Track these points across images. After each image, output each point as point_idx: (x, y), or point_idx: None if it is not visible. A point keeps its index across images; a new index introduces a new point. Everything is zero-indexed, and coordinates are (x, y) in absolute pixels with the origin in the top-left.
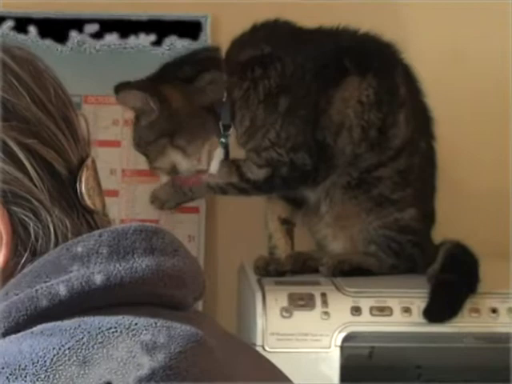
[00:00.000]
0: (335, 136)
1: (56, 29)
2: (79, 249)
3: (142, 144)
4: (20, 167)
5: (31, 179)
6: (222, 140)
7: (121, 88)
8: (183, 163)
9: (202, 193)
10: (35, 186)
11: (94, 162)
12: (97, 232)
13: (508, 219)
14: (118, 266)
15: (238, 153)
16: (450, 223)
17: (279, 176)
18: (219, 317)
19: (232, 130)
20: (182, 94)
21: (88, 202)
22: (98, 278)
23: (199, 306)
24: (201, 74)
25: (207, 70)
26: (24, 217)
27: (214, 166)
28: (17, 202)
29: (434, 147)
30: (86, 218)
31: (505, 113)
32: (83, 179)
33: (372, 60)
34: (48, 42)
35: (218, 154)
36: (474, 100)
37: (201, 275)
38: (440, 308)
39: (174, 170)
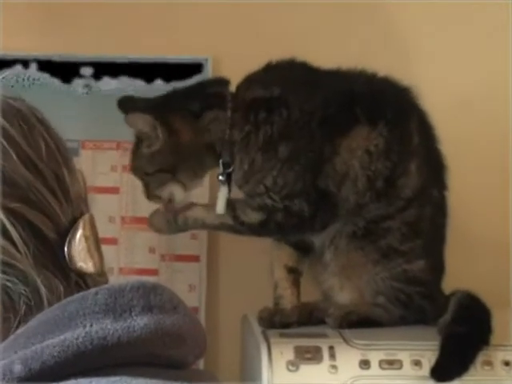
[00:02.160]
0: (339, 185)
1: (53, 70)
2: (74, 308)
3: (140, 173)
4: (4, 234)
5: (15, 245)
6: (221, 178)
7: (129, 107)
8: (181, 196)
9: (195, 228)
10: (19, 252)
11: (91, 218)
12: (93, 290)
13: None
14: (115, 325)
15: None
16: (460, 273)
17: (274, 221)
18: (221, 370)
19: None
20: (190, 129)
21: (78, 265)
22: (95, 338)
23: (200, 360)
24: (205, 111)
25: (210, 109)
26: (8, 283)
27: (221, 207)
28: (0, 268)
29: (446, 196)
30: (77, 282)
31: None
32: (74, 241)
33: (385, 108)
34: (46, 80)
35: (223, 192)
36: (476, 146)
37: (201, 333)
38: (449, 365)
39: (170, 201)
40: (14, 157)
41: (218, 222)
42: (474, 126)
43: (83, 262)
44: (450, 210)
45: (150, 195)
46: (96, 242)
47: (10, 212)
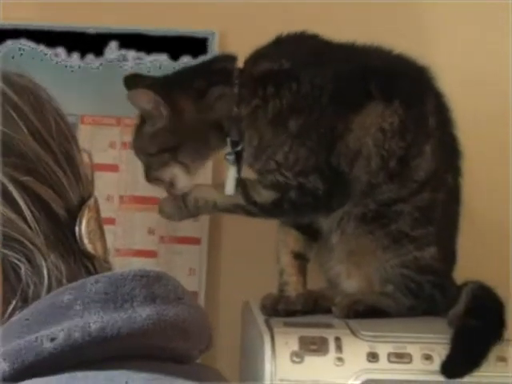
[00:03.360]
0: (351, 163)
1: (51, 40)
2: (72, 296)
3: (142, 153)
4: (14, 207)
5: (26, 220)
6: (229, 157)
7: (133, 83)
8: (183, 179)
9: (207, 211)
10: (30, 227)
11: (96, 202)
12: (93, 278)
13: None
14: (115, 315)
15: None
16: (472, 262)
17: (288, 200)
18: (220, 359)
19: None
20: (195, 106)
21: (88, 247)
22: (93, 329)
23: None
24: (211, 88)
25: (216, 85)
26: (16, 260)
27: (230, 187)
28: (9, 244)
29: (461, 183)
30: (85, 264)
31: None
32: (83, 221)
33: (401, 86)
34: (42, 52)
35: (232, 173)
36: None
37: (207, 327)
38: (461, 361)
39: (171, 184)
40: (25, 131)
41: (230, 202)
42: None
43: (92, 243)
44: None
45: (151, 177)
46: (101, 227)
47: (19, 185)
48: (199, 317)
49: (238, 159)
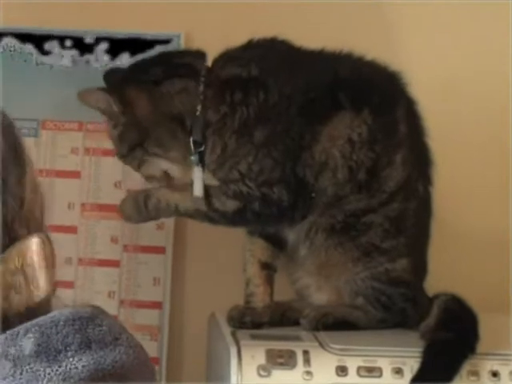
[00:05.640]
0: (316, 175)
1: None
2: (7, 353)
3: (120, 157)
4: None
5: None
6: (193, 158)
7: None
8: (173, 169)
9: (168, 214)
10: None
11: (47, 238)
12: (22, 328)
13: (508, 269)
14: (48, 370)
15: None
16: (443, 274)
17: (251, 210)
18: (185, 372)
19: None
20: (149, 98)
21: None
22: None
23: (163, 358)
24: (171, 78)
25: (179, 76)
26: None
27: (198, 189)
28: None
29: (431, 193)
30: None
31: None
32: None
33: (371, 94)
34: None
35: (198, 173)
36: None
37: (148, 366)
38: (432, 375)
39: (167, 176)
40: None
41: (192, 207)
42: (461, 114)
43: (4, 298)
44: (435, 207)
45: (144, 177)
46: (45, 267)
47: None
48: (139, 356)
49: (202, 159)
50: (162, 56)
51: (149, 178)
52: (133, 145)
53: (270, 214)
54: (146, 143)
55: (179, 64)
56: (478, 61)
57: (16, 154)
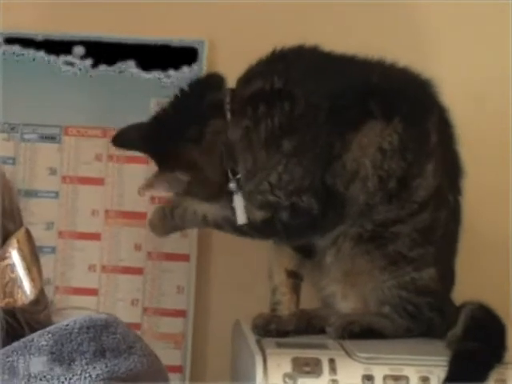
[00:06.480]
0: (347, 184)
1: (39, 47)
2: (15, 361)
3: None
4: None
5: None
6: (232, 186)
7: (124, 142)
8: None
9: (194, 224)
10: None
11: (24, 233)
12: (36, 335)
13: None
14: (62, 378)
15: None
16: (470, 283)
17: (280, 220)
18: (209, 381)
19: None
20: (199, 156)
21: (3, 303)
22: None
23: (187, 366)
24: (205, 129)
25: (209, 122)
26: None
27: (241, 216)
28: None
29: (461, 203)
30: (7, 320)
31: None
32: None
33: (402, 102)
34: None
35: (238, 200)
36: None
37: (162, 374)
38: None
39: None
40: None
41: (221, 216)
42: (486, 123)
43: (10, 296)
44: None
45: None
46: (32, 262)
47: None
48: (153, 365)
49: (240, 186)
50: (186, 104)
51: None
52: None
53: (299, 223)
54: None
55: (205, 108)
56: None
57: None
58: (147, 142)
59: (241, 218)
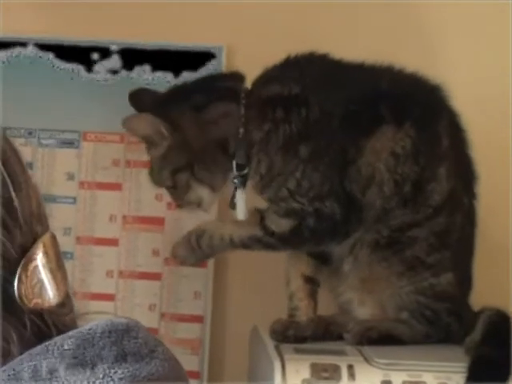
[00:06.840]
0: (364, 189)
1: (58, 53)
2: (37, 364)
3: (161, 186)
4: None
5: None
6: (236, 181)
7: (138, 100)
8: (209, 197)
9: (222, 249)
10: None
11: (50, 238)
12: (58, 339)
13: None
14: (85, 383)
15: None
16: (488, 288)
17: (307, 227)
18: None
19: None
20: (195, 122)
21: (32, 303)
22: None
23: (204, 372)
24: (213, 103)
25: (221, 100)
26: None
27: (241, 211)
28: None
29: (475, 206)
30: (33, 320)
31: None
32: (23, 276)
33: (413, 107)
34: (48, 64)
35: (240, 196)
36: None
37: (183, 379)
38: None
39: (200, 205)
40: None
41: (247, 235)
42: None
43: (38, 297)
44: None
45: (182, 205)
46: (58, 266)
47: None
48: (174, 369)
49: (245, 182)
50: (202, 80)
51: (184, 205)
52: (177, 168)
53: (324, 229)
54: (194, 169)
55: (219, 88)
56: None
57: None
58: (156, 105)
59: (241, 214)
